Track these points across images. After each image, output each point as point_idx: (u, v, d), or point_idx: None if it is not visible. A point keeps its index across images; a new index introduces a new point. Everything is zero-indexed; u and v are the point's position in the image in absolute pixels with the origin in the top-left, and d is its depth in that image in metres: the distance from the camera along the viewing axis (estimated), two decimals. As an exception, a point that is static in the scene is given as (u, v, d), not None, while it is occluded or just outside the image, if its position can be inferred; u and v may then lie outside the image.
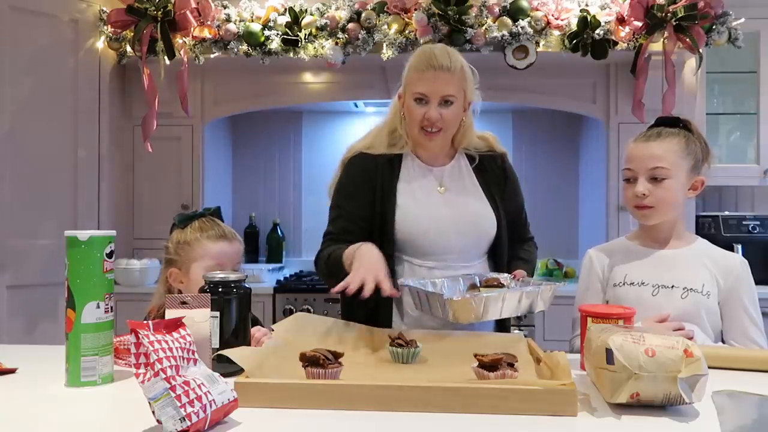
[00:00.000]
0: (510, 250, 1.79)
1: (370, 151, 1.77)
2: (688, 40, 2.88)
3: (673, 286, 1.57)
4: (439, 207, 1.71)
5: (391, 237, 1.68)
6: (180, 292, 1.61)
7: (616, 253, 1.69)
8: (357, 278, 1.43)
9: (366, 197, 1.72)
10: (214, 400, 0.97)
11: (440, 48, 1.70)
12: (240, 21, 3.08)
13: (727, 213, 3.31)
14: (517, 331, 2.98)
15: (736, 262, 1.63)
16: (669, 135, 1.60)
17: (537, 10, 3.00)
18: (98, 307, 1.23)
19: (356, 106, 3.61)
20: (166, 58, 2.98)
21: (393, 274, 1.63)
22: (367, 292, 1.42)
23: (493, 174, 1.79)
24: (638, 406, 1.07)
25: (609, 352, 1.07)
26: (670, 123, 1.64)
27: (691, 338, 1.29)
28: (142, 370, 0.95)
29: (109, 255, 1.25)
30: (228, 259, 1.59)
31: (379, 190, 1.72)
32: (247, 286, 1.35)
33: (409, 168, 1.76)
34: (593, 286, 1.69)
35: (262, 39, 3.04)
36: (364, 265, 1.48)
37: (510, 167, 1.85)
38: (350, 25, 3.01)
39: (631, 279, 1.62)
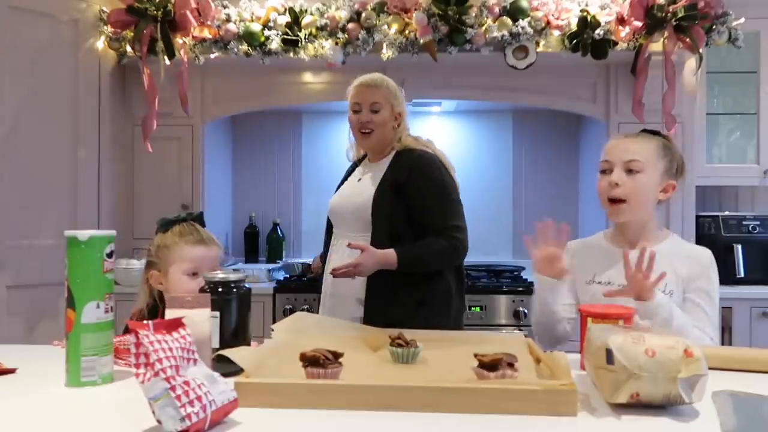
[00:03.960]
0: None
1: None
2: (688, 40, 2.88)
3: None
4: (343, 191, 2.16)
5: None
6: (160, 293, 1.65)
7: (589, 248, 1.74)
8: None
9: None
10: (214, 400, 0.97)
11: (371, 74, 2.14)
12: (240, 21, 3.08)
13: (727, 213, 3.31)
14: (517, 331, 2.99)
15: (703, 256, 1.65)
16: (647, 136, 1.68)
17: (537, 10, 3.00)
18: (98, 307, 1.23)
19: (356, 106, 3.60)
20: (166, 58, 2.98)
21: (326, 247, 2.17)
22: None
23: (398, 170, 2.04)
24: (638, 406, 1.07)
25: (609, 352, 1.07)
26: (650, 133, 1.71)
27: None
28: (142, 370, 0.95)
29: (109, 255, 1.25)
30: (205, 263, 1.62)
31: None
32: (247, 286, 1.35)
33: (359, 168, 2.21)
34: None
35: (262, 39, 3.04)
36: None
37: (419, 170, 2.03)
38: (350, 25, 3.01)
39: (599, 278, 1.65)
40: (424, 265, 1.98)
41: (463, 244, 2.01)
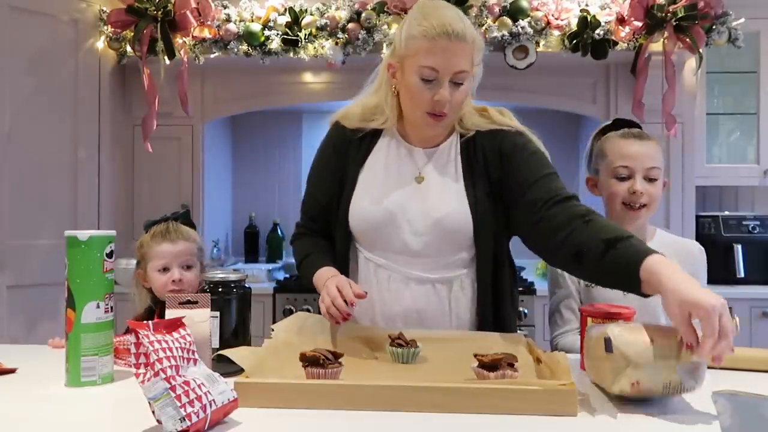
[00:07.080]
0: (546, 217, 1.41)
1: (345, 123, 1.57)
2: (688, 40, 2.88)
3: None
4: (406, 197, 1.47)
5: (345, 226, 1.51)
6: (149, 290, 1.71)
7: None
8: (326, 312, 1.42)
9: (331, 178, 1.55)
10: (214, 400, 0.97)
11: (451, 7, 1.39)
12: (240, 21, 3.08)
13: (727, 213, 3.31)
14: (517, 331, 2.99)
15: (695, 250, 1.69)
16: (649, 137, 1.67)
17: (537, 10, 3.00)
18: (98, 307, 1.23)
19: (356, 106, 3.60)
20: (166, 58, 2.98)
21: (347, 268, 1.53)
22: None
23: (482, 156, 1.49)
24: (638, 403, 1.07)
25: (607, 341, 1.08)
26: (629, 125, 1.70)
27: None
28: (142, 370, 0.95)
29: (109, 255, 1.26)
30: (173, 258, 1.66)
31: (341, 172, 1.54)
32: (247, 286, 1.35)
33: (385, 148, 1.52)
34: (566, 287, 1.70)
35: (262, 39, 3.04)
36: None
37: (512, 142, 1.50)
38: (350, 25, 3.01)
39: None
40: None
41: None
